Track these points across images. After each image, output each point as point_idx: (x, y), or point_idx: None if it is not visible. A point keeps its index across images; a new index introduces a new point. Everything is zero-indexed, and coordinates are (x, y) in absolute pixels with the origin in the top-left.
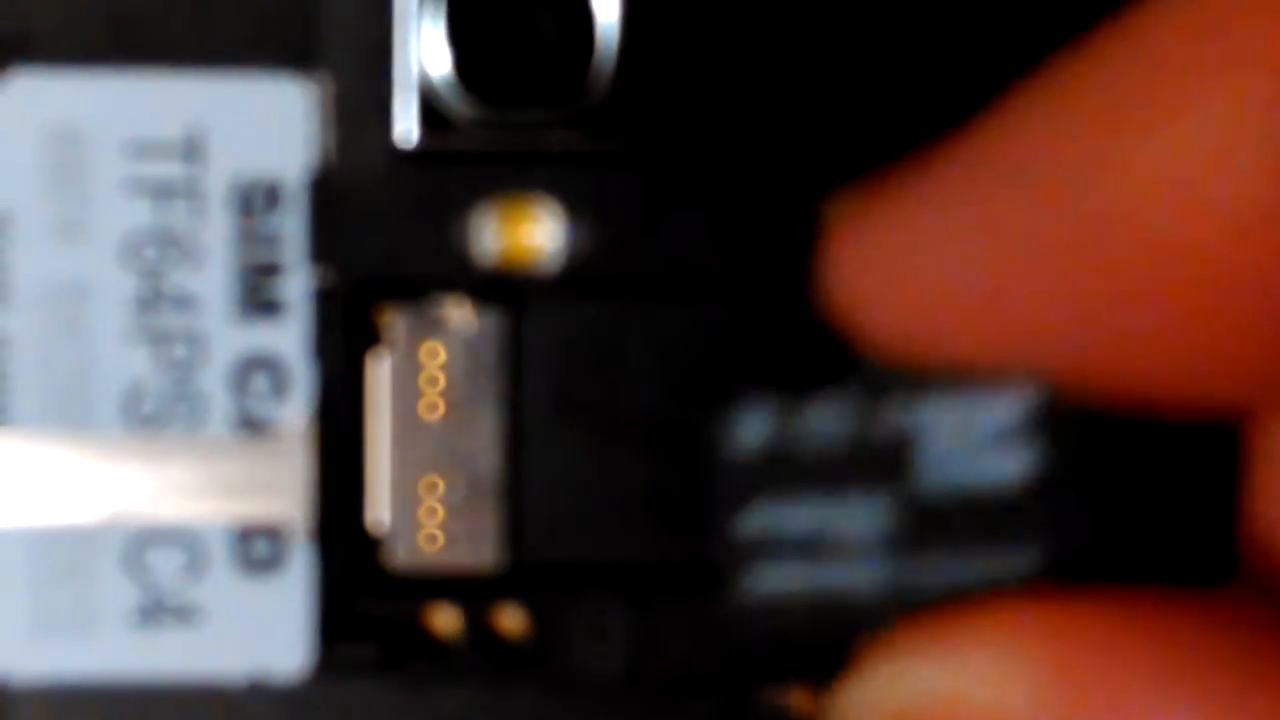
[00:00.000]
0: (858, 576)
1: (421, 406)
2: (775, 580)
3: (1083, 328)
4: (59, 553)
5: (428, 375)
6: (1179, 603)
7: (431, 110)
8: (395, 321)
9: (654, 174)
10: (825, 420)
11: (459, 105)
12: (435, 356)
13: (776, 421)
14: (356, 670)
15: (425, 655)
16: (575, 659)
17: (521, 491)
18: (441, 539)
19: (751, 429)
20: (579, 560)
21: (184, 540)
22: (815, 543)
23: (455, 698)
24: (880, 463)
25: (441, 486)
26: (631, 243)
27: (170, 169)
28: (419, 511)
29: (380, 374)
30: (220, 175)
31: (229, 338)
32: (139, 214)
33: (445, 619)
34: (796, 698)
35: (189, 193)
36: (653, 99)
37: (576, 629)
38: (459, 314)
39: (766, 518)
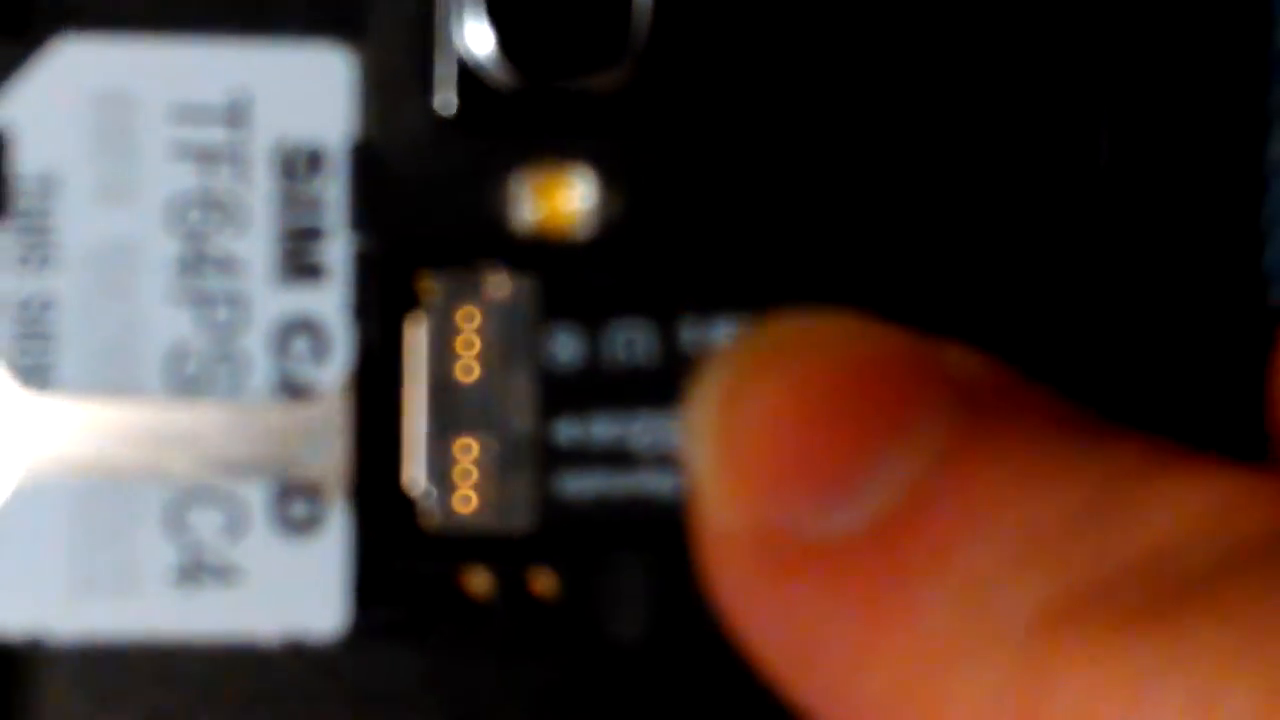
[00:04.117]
0: (656, 484)
1: (458, 370)
2: (581, 486)
3: None
4: (100, 512)
5: (464, 339)
6: None
7: (471, 79)
8: (433, 286)
9: (689, 144)
10: (629, 339)
11: (499, 74)
12: (472, 321)
13: (585, 340)
14: (391, 632)
15: (459, 617)
16: (606, 621)
17: (555, 454)
18: (475, 500)
19: (565, 347)
20: (611, 523)
21: (224, 501)
22: (618, 453)
23: (487, 660)
24: (678, 379)
25: (476, 448)
26: (666, 211)
27: (215, 134)
28: (454, 473)
29: (417, 338)
30: (264, 140)
31: (270, 301)
32: (184, 178)
33: (479, 581)
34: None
35: (233, 157)
36: (688, 70)
37: (607, 591)
38: (496, 279)
39: (574, 429)
